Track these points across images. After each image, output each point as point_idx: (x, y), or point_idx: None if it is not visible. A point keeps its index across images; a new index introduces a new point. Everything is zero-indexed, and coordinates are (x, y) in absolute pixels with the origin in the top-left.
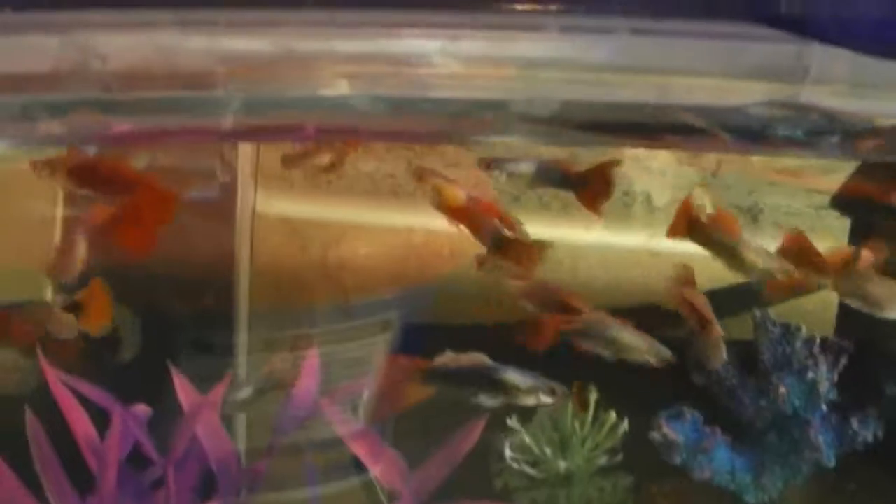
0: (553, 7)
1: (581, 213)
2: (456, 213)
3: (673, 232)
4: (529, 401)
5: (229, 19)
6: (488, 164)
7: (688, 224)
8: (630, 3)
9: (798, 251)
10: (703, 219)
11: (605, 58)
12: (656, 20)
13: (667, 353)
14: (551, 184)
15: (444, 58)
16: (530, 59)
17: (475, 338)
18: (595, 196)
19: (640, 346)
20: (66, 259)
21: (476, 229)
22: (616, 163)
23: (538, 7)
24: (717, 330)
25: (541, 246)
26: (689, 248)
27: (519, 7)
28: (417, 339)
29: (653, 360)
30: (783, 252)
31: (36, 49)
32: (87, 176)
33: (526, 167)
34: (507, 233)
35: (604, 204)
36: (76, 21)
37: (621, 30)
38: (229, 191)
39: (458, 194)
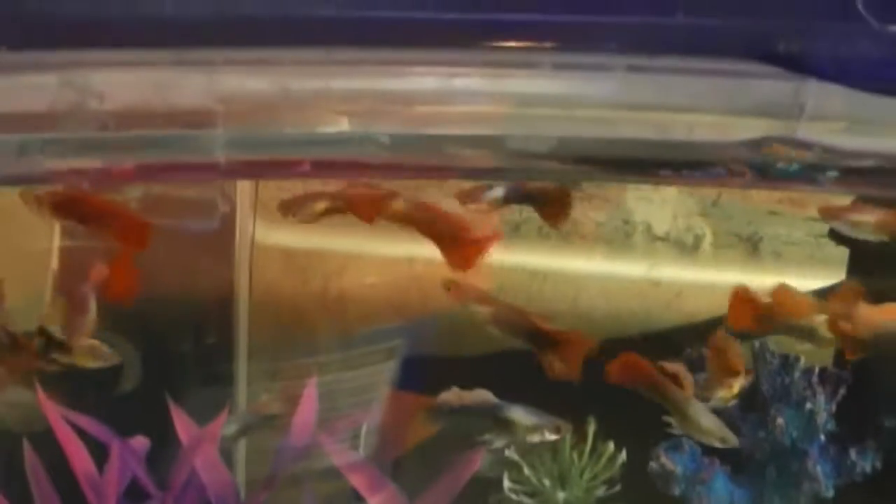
0: (547, 44)
1: (582, 243)
2: (398, 218)
3: (736, 324)
4: (534, 438)
5: (227, 58)
6: (465, 199)
7: (752, 316)
8: (625, 41)
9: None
10: (764, 306)
11: (601, 95)
12: (652, 57)
13: (733, 439)
14: (516, 201)
15: (440, 95)
16: (525, 96)
17: (479, 368)
18: (555, 213)
19: (713, 430)
20: (78, 320)
21: (425, 230)
22: (575, 185)
23: (532, 44)
24: (739, 385)
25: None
26: (688, 276)
27: (513, 44)
28: (421, 370)
29: (718, 444)
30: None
31: (33, 88)
32: (70, 209)
33: (499, 192)
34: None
35: (563, 220)
36: (73, 60)
37: (617, 67)
38: (228, 222)
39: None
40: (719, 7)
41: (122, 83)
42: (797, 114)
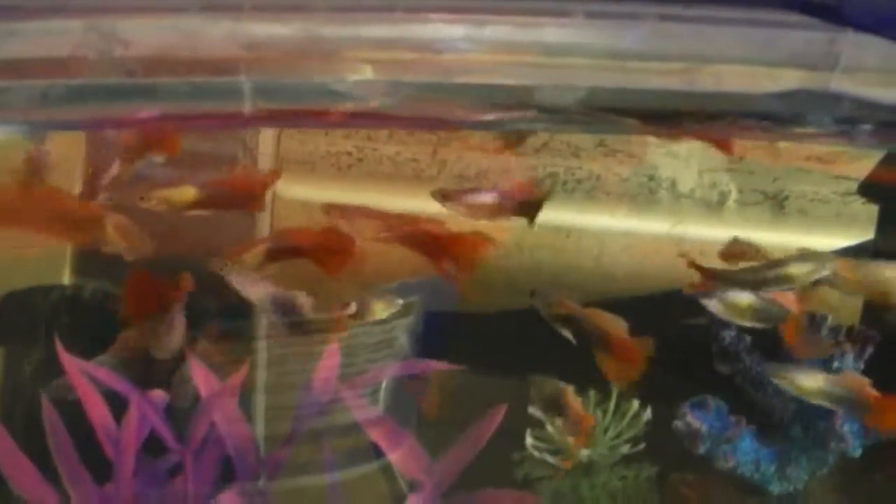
0: None
1: (606, 199)
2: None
3: None
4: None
5: (253, 4)
6: (444, 196)
7: None
8: None
9: None
10: None
11: (632, 44)
12: (685, 6)
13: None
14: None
15: (469, 43)
16: (556, 46)
17: (498, 325)
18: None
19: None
20: (167, 336)
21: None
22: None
23: None
24: None
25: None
26: (713, 234)
27: None
28: (439, 326)
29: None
30: None
31: (58, 33)
32: None
33: (489, 198)
34: None
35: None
36: (99, 5)
37: (649, 16)
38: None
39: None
40: None
41: (148, 29)
42: (831, 65)
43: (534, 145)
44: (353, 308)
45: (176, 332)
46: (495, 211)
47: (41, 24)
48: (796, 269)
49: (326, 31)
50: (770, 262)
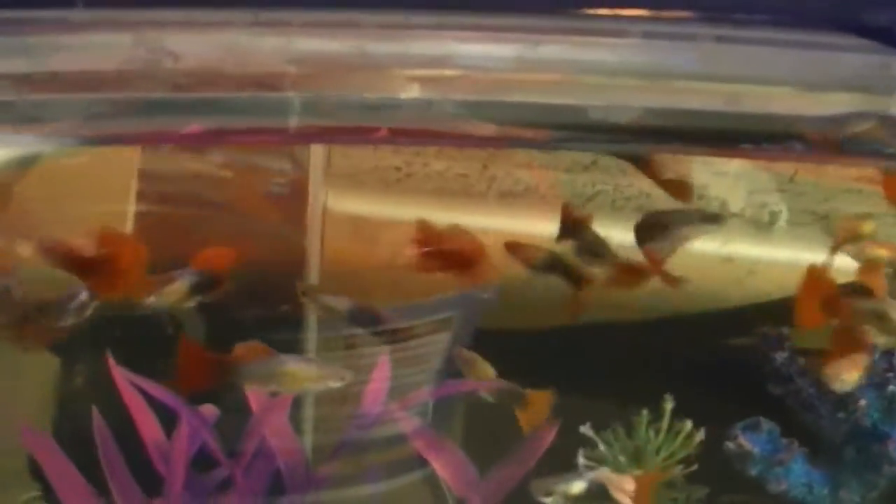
0: (636, 13)
1: None
2: None
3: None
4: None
5: (304, 20)
6: None
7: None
8: (714, 11)
9: None
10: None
11: (688, 65)
12: (741, 28)
13: None
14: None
15: (522, 63)
16: (611, 66)
17: (536, 343)
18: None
19: None
20: None
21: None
22: None
23: (621, 12)
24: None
25: None
26: (762, 254)
27: (601, 12)
28: (475, 342)
29: None
30: None
31: (107, 47)
32: None
33: None
34: None
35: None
36: (148, 19)
37: (705, 37)
38: (301, 188)
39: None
40: None
41: (197, 43)
42: (889, 89)
43: (583, 163)
44: None
45: None
46: None
47: (89, 38)
48: None
49: (377, 47)
50: None
